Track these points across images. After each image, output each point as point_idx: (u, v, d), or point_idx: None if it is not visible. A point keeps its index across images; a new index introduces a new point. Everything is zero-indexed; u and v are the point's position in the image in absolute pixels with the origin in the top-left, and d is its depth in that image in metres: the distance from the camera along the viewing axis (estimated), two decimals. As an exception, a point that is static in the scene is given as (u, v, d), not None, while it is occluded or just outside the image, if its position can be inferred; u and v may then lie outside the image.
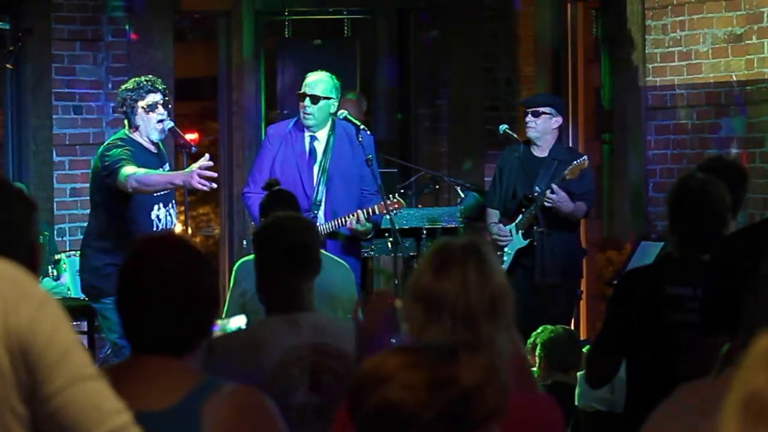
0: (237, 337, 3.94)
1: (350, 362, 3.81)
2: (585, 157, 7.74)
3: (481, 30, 9.91)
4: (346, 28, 10.45)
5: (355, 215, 7.09)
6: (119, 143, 6.74)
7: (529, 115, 7.78)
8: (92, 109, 9.18)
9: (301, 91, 7.25)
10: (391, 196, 7.18)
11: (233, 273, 5.52)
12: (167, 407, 2.76)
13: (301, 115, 7.23)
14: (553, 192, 7.46)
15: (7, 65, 8.60)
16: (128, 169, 6.51)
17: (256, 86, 9.89)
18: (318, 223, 7.13)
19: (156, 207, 6.79)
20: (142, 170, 6.53)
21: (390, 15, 10.26)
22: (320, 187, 7.22)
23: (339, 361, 3.83)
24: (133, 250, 2.88)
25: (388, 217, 7.31)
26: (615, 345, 4.44)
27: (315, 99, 7.19)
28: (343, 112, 7.44)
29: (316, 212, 7.19)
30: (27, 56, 8.85)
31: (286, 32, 10.33)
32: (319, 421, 3.72)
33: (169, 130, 7.02)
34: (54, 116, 9.03)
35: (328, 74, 7.29)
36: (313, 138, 7.26)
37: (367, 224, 7.14)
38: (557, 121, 7.80)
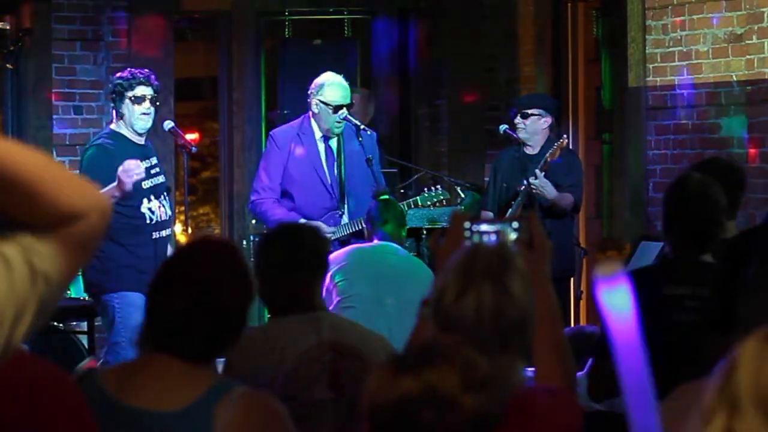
0: (253, 336, 3.99)
1: (367, 365, 3.93)
2: (564, 136, 7.82)
3: (481, 30, 9.91)
4: (346, 28, 10.44)
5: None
6: (97, 144, 6.72)
7: (518, 117, 7.84)
8: (92, 109, 9.17)
9: (339, 103, 7.16)
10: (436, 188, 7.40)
11: None
12: (179, 408, 2.78)
13: (334, 124, 7.16)
14: (536, 178, 7.48)
15: (7, 65, 8.60)
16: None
17: (256, 86, 9.88)
18: (343, 222, 7.14)
19: (145, 200, 6.74)
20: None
21: (390, 15, 10.25)
22: (343, 186, 7.20)
23: (356, 362, 3.95)
24: (178, 252, 2.90)
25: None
26: None
27: (349, 107, 7.22)
28: (343, 112, 7.44)
29: (342, 211, 7.19)
30: (27, 56, 8.86)
31: (286, 32, 10.33)
32: (338, 417, 3.87)
33: (169, 130, 7.01)
34: (54, 116, 9.03)
35: (342, 77, 7.30)
36: (325, 138, 7.23)
37: None
38: (546, 121, 7.85)
